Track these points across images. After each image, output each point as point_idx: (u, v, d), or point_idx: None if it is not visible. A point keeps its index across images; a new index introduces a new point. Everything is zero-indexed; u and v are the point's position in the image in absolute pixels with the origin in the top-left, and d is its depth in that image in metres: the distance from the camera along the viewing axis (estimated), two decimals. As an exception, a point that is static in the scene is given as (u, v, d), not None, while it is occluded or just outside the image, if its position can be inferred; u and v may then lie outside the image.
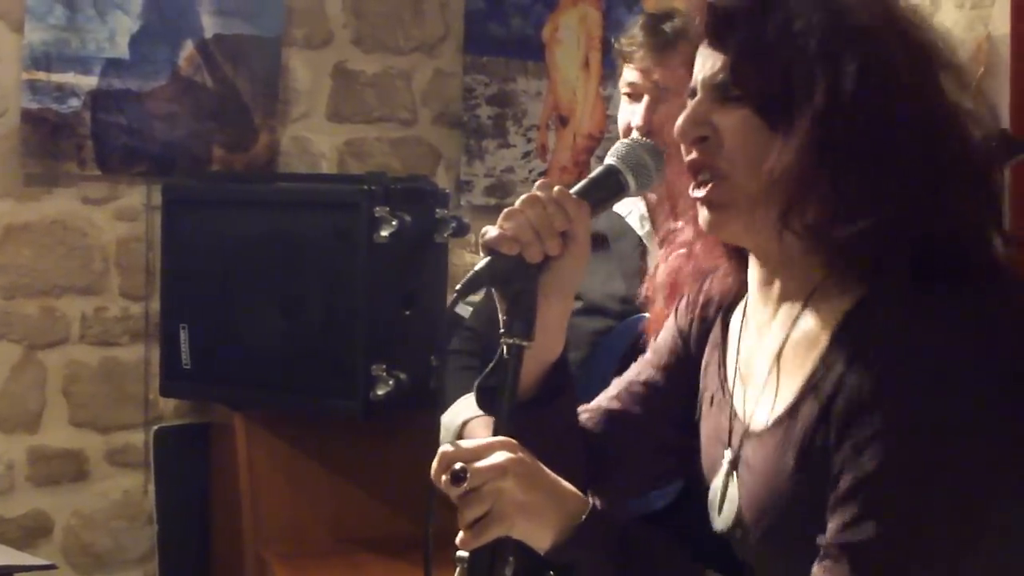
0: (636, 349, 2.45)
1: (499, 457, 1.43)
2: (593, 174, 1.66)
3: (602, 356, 2.43)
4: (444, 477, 1.42)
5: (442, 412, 2.72)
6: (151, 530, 3.77)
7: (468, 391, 2.57)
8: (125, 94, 3.64)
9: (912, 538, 1.34)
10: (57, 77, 3.56)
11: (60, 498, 3.69)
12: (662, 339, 1.77)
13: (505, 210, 1.54)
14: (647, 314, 2.47)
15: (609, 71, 4.13)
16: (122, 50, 3.63)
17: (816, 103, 1.40)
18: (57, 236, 3.65)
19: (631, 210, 2.57)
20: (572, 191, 1.58)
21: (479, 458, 1.43)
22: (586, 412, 1.76)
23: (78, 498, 3.72)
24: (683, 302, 1.74)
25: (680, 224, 1.67)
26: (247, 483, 3.37)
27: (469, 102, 4.11)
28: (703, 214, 1.52)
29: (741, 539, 1.53)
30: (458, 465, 1.41)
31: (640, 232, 2.58)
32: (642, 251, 2.57)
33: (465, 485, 1.41)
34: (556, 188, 1.55)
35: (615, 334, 2.48)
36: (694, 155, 1.51)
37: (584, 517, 1.46)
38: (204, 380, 3.46)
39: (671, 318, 1.76)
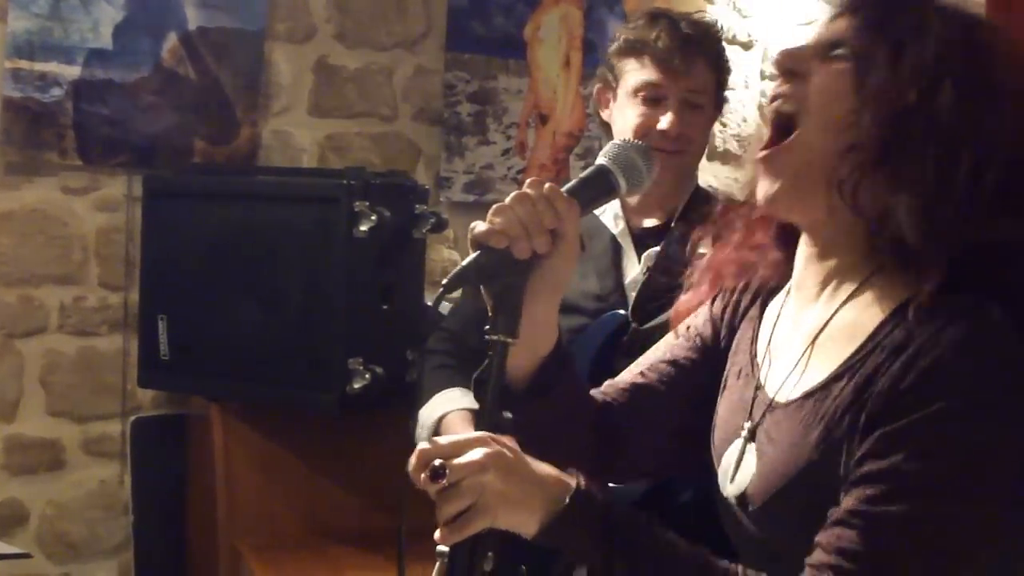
0: (610, 346, 2.48)
1: (477, 453, 1.44)
2: (584, 174, 1.67)
3: (577, 354, 2.44)
4: (423, 475, 1.44)
5: (417, 409, 2.73)
6: (126, 520, 3.77)
7: (443, 389, 2.59)
8: (108, 85, 3.64)
9: (932, 524, 1.38)
10: (40, 66, 3.56)
11: (36, 487, 3.69)
12: (694, 323, 1.80)
13: (495, 205, 1.56)
14: (621, 311, 2.50)
15: (589, 70, 4.15)
16: (105, 40, 3.63)
17: (912, 91, 1.46)
18: (37, 225, 3.64)
19: (605, 209, 2.58)
20: (563, 190, 1.60)
21: (457, 454, 1.44)
22: (610, 385, 1.79)
23: (54, 487, 3.71)
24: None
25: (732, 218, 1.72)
26: (223, 474, 3.38)
27: (450, 99, 4.12)
28: (764, 185, 1.56)
29: (745, 506, 1.56)
30: (437, 462, 1.43)
31: (614, 231, 2.59)
32: (616, 249, 2.58)
33: (444, 481, 1.43)
34: (547, 186, 1.57)
35: (589, 332, 2.49)
36: (780, 87, 1.56)
37: (568, 499, 1.48)
38: (182, 371, 3.46)
39: (706, 305, 1.79)
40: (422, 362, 3.00)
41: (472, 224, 1.56)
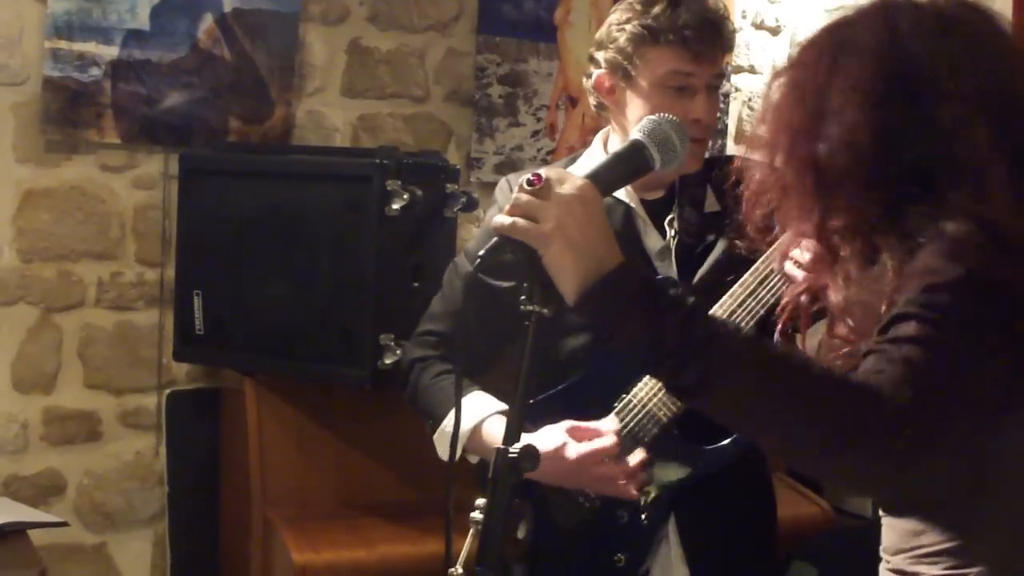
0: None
1: (576, 184, 1.53)
2: (619, 148, 1.67)
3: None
4: (524, 178, 1.53)
5: (430, 421, 2.57)
6: (161, 491, 3.82)
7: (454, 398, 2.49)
8: (145, 65, 3.68)
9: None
10: (79, 46, 3.59)
11: (73, 458, 3.74)
12: None
13: (512, 199, 1.58)
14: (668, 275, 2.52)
15: (619, 53, 4.17)
16: (143, 21, 3.67)
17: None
18: (75, 202, 3.69)
19: None
20: (597, 165, 1.63)
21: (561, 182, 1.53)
22: None
23: (91, 458, 3.76)
24: None
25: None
26: (256, 447, 3.42)
27: (481, 81, 4.17)
28: None
29: None
30: (543, 172, 1.53)
31: (630, 203, 2.55)
32: (630, 222, 2.52)
33: (537, 186, 1.52)
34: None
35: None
36: None
37: (612, 267, 1.51)
38: (216, 346, 3.51)
39: None
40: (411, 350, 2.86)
41: (495, 218, 1.58)
